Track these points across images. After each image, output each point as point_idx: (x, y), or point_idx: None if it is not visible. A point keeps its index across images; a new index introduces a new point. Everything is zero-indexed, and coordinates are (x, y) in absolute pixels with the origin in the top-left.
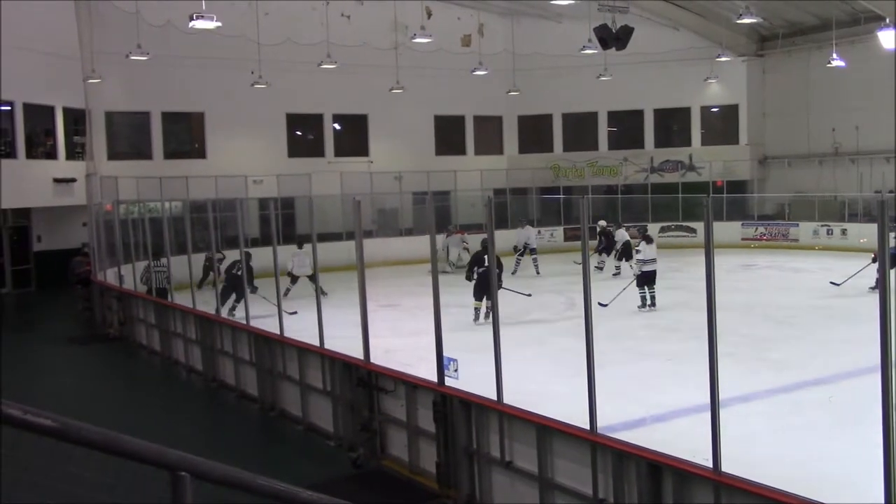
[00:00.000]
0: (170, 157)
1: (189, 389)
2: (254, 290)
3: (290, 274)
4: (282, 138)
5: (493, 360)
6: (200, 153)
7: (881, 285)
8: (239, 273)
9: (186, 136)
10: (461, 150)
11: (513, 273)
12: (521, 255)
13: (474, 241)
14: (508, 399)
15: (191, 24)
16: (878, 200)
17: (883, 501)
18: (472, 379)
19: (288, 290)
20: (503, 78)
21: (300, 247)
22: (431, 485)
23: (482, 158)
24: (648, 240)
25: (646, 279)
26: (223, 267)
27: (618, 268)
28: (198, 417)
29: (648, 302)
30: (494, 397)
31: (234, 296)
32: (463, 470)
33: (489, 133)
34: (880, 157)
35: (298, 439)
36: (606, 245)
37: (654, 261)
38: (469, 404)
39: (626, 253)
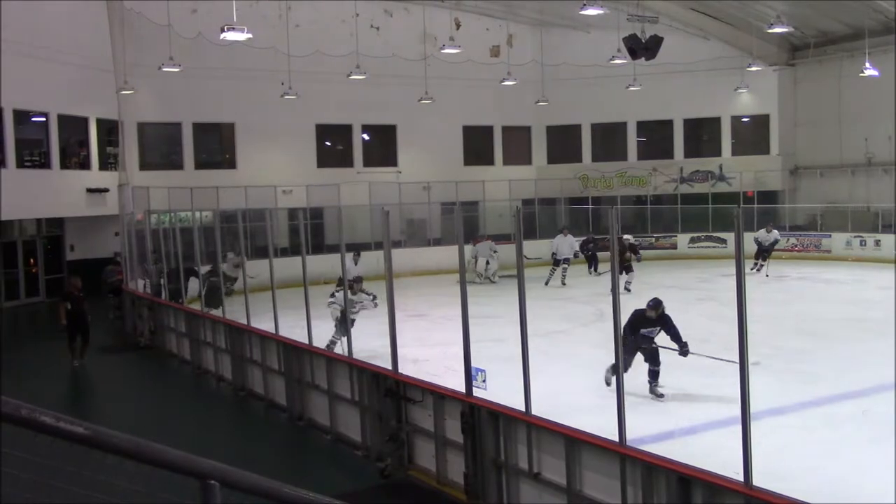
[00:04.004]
0: (200, 168)
1: (219, 398)
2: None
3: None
4: (311, 149)
5: (521, 371)
6: (231, 163)
7: None
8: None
9: (217, 146)
10: (489, 161)
11: (546, 283)
12: (562, 264)
13: (507, 250)
14: (537, 410)
15: (222, 35)
16: None
17: None
18: (501, 390)
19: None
20: (532, 88)
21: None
22: (459, 496)
23: (510, 169)
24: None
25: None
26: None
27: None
28: (227, 426)
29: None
30: (522, 408)
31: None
32: (491, 481)
33: (517, 143)
34: None
35: (326, 449)
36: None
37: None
38: (497, 415)
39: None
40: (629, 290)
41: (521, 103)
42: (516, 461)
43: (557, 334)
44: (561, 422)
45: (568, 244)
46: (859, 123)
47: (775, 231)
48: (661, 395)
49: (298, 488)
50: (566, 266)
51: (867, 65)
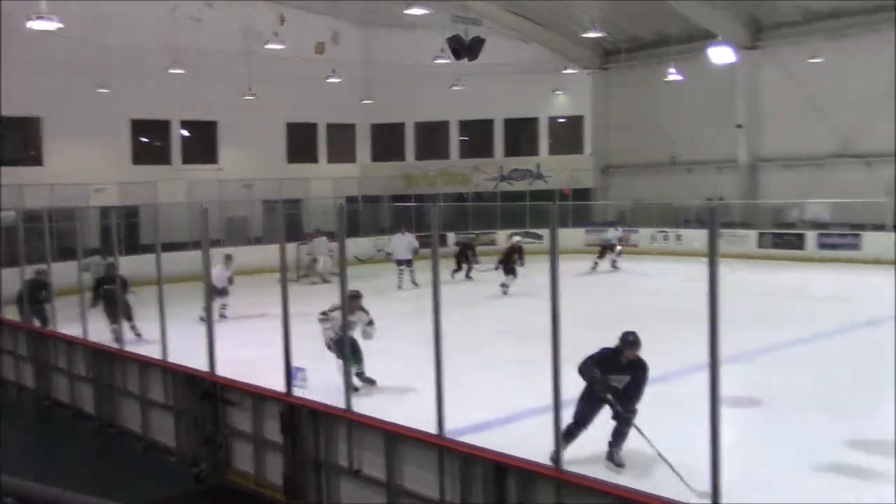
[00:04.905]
0: (2, 165)
1: (19, 409)
2: None
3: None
4: (125, 145)
5: (343, 370)
6: (36, 160)
7: (710, 289)
8: None
9: (20, 142)
10: (313, 159)
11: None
12: (405, 266)
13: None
14: (357, 406)
15: (28, 24)
16: (708, 207)
17: (710, 488)
18: (324, 388)
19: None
20: (356, 86)
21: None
22: (278, 497)
23: (335, 166)
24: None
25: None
26: None
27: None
28: (28, 439)
29: None
30: (344, 406)
31: None
32: (310, 481)
33: (342, 141)
34: (713, 167)
35: (138, 456)
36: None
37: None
38: (317, 414)
39: None
40: (506, 293)
41: (345, 101)
42: (336, 459)
43: (381, 330)
44: (382, 417)
45: (406, 243)
46: (665, 125)
47: (618, 229)
48: (622, 465)
49: (105, 500)
50: (410, 269)
51: (672, 70)
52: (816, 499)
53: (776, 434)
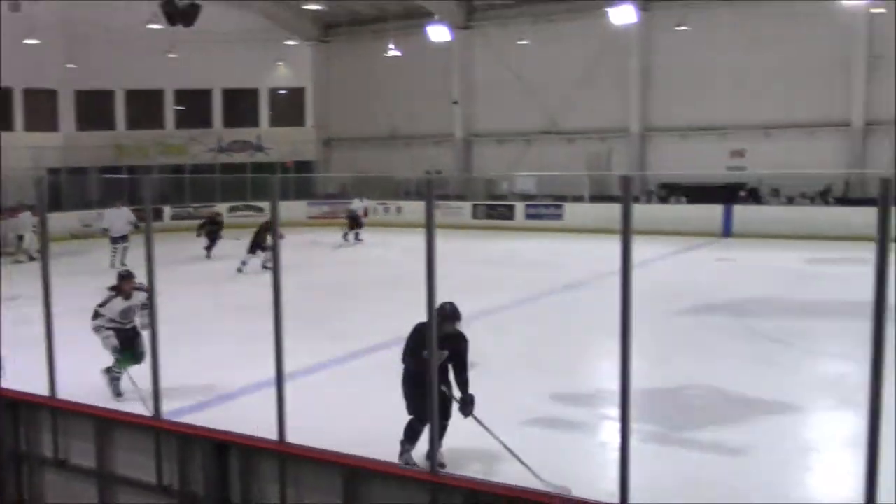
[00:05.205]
0: None
1: None
2: None
3: None
4: None
5: (46, 354)
6: None
7: (428, 258)
8: None
9: None
10: (8, 126)
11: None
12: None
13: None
14: (64, 393)
15: None
16: (426, 180)
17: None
18: (30, 376)
19: None
20: (58, 49)
21: None
22: None
23: (34, 135)
24: None
25: None
26: None
27: None
28: None
29: None
30: (47, 393)
31: None
32: (8, 475)
33: (42, 108)
34: (430, 141)
35: None
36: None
37: None
38: (17, 404)
39: None
40: (269, 269)
41: (45, 64)
42: (40, 450)
43: (88, 311)
44: (95, 403)
45: (123, 219)
46: (386, 99)
47: (365, 200)
48: (443, 466)
49: None
50: (125, 245)
51: (391, 46)
52: (529, 452)
53: (489, 394)
